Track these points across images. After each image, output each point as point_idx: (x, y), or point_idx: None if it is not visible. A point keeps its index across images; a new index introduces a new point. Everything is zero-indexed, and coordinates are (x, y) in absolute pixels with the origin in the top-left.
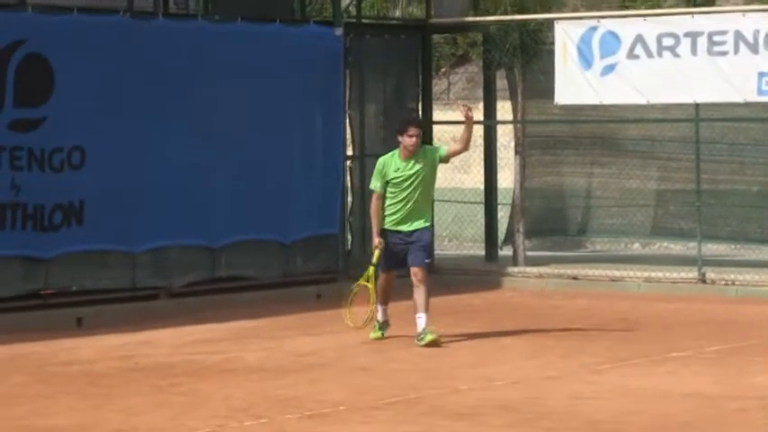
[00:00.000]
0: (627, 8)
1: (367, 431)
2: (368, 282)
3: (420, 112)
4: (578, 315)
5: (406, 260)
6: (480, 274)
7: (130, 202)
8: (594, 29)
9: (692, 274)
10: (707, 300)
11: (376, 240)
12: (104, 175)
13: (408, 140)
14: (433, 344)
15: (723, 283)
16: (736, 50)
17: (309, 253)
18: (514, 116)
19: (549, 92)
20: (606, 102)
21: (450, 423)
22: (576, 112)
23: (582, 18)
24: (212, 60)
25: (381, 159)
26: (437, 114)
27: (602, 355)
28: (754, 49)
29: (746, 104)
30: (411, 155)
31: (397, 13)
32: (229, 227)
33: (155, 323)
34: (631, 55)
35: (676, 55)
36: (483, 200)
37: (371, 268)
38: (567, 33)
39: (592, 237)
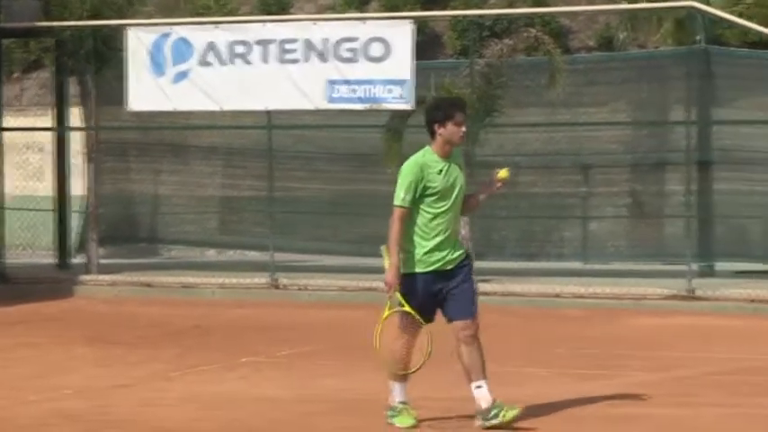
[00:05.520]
0: (201, 15)
1: None
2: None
3: None
4: (151, 323)
5: (440, 306)
6: (53, 282)
7: None
8: (167, 35)
9: (265, 279)
10: (280, 305)
11: (391, 275)
12: None
13: (456, 130)
14: (515, 420)
15: (296, 288)
16: (307, 58)
17: None
18: (87, 122)
19: (122, 98)
20: (179, 108)
21: None
22: (149, 119)
23: (155, 25)
24: None
25: (412, 160)
26: (8, 121)
27: (174, 362)
28: (323, 57)
29: (317, 113)
30: (450, 152)
31: None
32: None
33: None
34: (204, 62)
35: (248, 62)
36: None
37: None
38: (139, 40)
39: (167, 244)
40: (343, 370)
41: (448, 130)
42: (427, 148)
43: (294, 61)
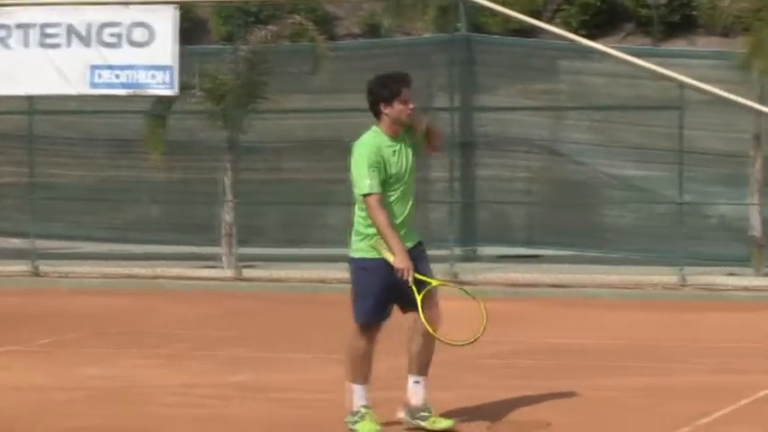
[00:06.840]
0: None
1: None
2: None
3: None
4: None
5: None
6: None
7: None
8: None
9: (25, 267)
10: (41, 293)
11: (405, 262)
12: None
13: (403, 108)
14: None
15: (57, 275)
16: (69, 43)
17: None
18: None
19: None
20: None
21: None
22: None
23: None
24: None
25: (366, 143)
26: None
27: None
28: (86, 42)
29: (80, 98)
30: (399, 132)
31: None
32: None
33: None
34: None
35: (8, 47)
36: None
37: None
38: None
39: None
40: (104, 357)
41: (395, 110)
42: (375, 128)
43: (55, 46)
